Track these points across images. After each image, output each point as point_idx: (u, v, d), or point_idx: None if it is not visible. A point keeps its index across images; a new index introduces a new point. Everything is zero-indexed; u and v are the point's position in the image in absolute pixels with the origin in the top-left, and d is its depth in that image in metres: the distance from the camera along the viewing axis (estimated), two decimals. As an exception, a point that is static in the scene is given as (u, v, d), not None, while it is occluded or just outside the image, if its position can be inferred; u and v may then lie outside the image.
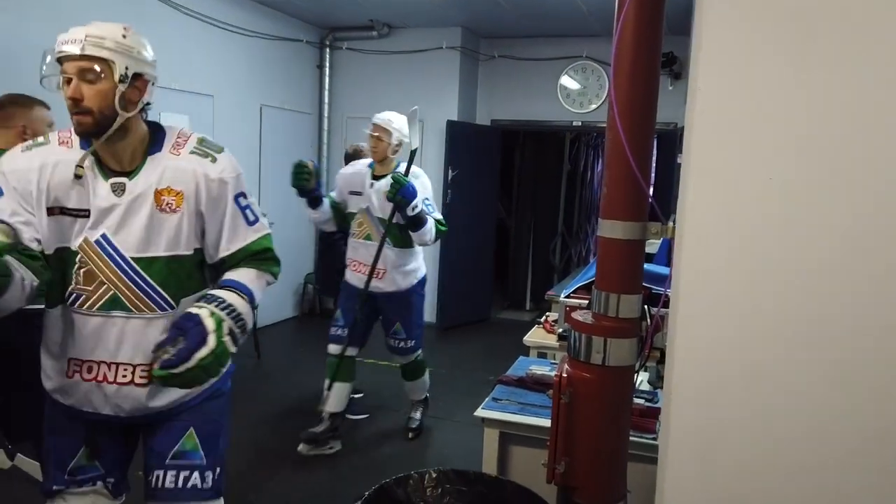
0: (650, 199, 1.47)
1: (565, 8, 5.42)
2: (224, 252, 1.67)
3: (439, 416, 4.26)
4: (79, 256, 1.56)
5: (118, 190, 1.56)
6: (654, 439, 2.01)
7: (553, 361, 2.84)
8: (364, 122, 6.76)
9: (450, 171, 6.47)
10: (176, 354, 1.41)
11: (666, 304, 1.48)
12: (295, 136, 6.55)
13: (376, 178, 3.45)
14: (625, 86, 1.45)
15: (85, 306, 1.58)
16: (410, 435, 3.91)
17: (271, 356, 5.36)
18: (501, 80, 6.84)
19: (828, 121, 1.13)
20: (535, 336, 3.28)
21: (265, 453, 3.57)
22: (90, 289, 1.57)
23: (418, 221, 3.27)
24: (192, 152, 1.62)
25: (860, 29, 1.10)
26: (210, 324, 1.47)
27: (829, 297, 1.14)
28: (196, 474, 1.68)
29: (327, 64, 6.76)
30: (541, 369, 2.44)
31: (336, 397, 3.57)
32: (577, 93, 6.56)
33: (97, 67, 1.48)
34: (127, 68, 1.50)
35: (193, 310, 1.50)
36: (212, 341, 1.45)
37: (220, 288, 1.62)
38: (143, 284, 1.58)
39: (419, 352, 3.86)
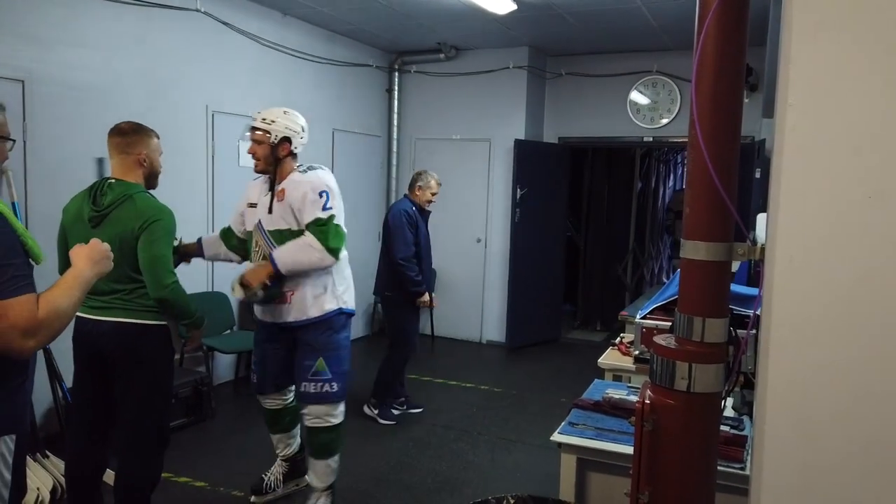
0: (736, 219, 1.42)
1: (634, 23, 5.34)
2: None
3: (511, 439, 4.20)
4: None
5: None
6: (742, 469, 1.92)
7: (630, 385, 2.76)
8: (432, 143, 6.93)
9: (518, 190, 6.45)
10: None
11: (754, 326, 1.42)
12: (365, 158, 6.69)
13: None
14: (706, 102, 1.41)
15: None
16: None
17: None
18: (569, 98, 6.79)
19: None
20: (610, 358, 3.19)
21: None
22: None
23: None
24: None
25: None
26: None
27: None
28: None
29: (396, 87, 6.90)
30: (618, 393, 2.37)
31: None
32: (648, 108, 6.44)
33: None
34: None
35: None
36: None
37: None
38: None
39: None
